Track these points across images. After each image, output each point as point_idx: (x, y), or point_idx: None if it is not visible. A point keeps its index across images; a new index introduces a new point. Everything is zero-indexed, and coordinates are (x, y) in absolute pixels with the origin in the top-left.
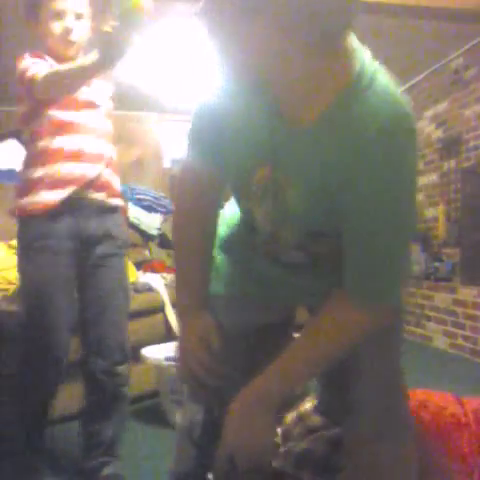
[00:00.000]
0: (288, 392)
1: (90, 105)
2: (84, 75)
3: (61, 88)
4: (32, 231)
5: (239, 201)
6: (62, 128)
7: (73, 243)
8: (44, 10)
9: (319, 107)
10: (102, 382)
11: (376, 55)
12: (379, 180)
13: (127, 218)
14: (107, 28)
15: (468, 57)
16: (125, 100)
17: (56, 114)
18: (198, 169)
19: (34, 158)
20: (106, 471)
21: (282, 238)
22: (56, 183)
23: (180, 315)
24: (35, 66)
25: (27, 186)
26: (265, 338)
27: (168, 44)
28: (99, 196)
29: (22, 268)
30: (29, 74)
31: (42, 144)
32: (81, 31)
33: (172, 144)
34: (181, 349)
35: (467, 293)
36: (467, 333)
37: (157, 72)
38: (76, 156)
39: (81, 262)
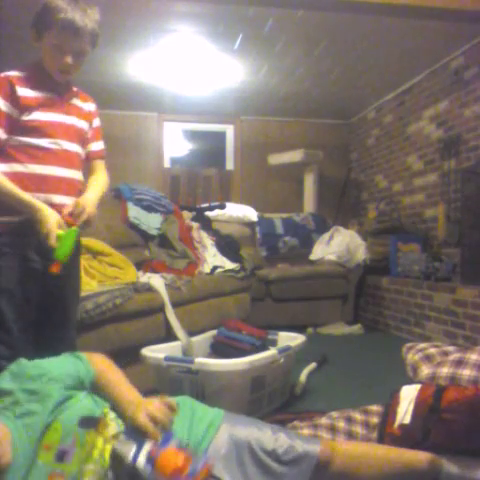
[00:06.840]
0: None
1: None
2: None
3: None
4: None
5: None
6: (36, 154)
7: None
8: (47, 37)
9: None
10: None
11: (377, 55)
12: None
13: (127, 218)
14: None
15: (468, 57)
16: (125, 100)
17: (29, 140)
18: None
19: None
20: None
21: None
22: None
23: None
24: None
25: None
26: None
27: (168, 44)
28: None
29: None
30: None
31: (17, 166)
32: (76, 68)
33: (172, 144)
34: None
35: (467, 293)
36: (467, 333)
37: (157, 72)
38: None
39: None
